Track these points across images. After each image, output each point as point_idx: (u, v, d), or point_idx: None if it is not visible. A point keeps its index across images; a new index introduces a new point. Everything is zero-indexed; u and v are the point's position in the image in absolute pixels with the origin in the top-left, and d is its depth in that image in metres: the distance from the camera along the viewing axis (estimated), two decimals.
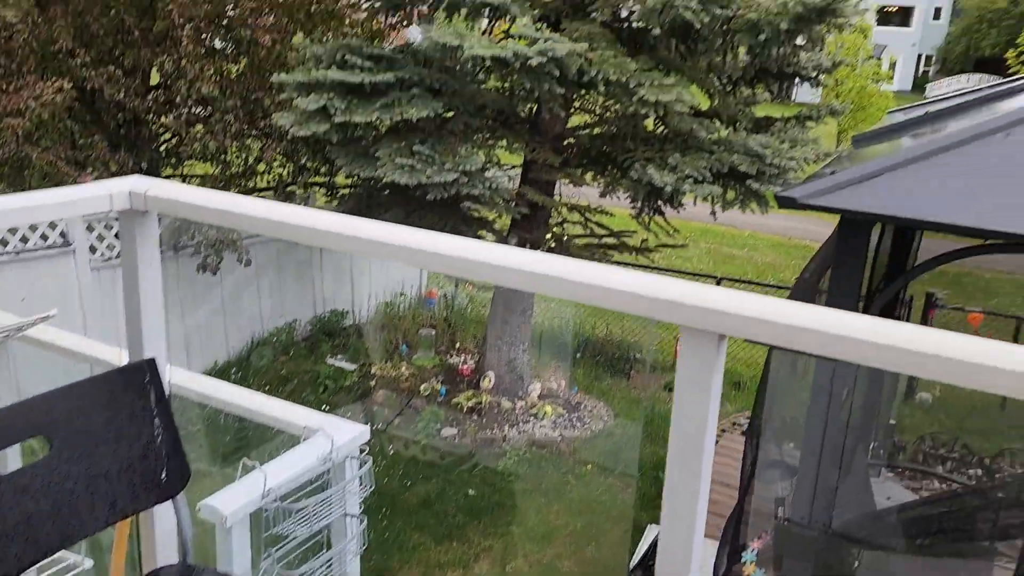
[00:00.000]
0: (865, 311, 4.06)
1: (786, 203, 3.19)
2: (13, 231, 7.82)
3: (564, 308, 11.04)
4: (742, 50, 8.13)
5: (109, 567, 1.99)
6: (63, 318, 2.65)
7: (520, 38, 7.12)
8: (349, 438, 2.44)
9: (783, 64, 8.48)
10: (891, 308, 5.67)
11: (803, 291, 5.63)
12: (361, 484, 2.44)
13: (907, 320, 7.73)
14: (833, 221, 3.64)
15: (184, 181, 10.39)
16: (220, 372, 9.71)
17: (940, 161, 3.18)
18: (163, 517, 1.98)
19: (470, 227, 8.23)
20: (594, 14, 8.08)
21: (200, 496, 2.05)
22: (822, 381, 3.61)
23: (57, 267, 8.21)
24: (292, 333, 10.63)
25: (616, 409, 9.60)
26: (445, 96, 7.88)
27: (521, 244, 8.69)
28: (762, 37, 7.33)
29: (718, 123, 8.63)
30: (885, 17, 45.76)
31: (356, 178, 8.65)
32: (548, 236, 8.87)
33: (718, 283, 11.70)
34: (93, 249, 8.57)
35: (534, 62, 6.71)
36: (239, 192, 9.43)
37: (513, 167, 9.00)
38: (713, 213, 8.41)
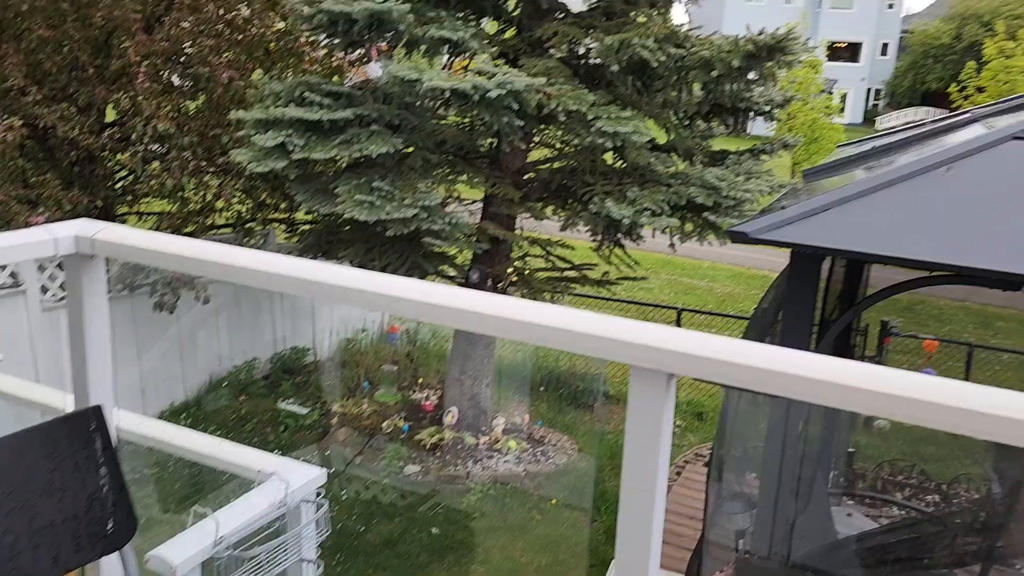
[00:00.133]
0: (819, 341, 4.13)
1: (738, 238, 3.24)
2: None
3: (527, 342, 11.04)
4: (696, 86, 8.30)
5: None
6: (14, 362, 2.59)
7: (479, 73, 7.20)
8: (304, 481, 2.41)
9: (736, 99, 8.67)
10: (846, 337, 5.76)
11: (760, 322, 5.70)
12: (317, 528, 2.40)
13: (864, 348, 7.86)
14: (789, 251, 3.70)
15: (140, 219, 10.25)
16: (176, 413, 9.52)
17: (886, 195, 3.26)
18: (110, 569, 1.92)
19: (431, 263, 8.22)
20: (552, 50, 8.22)
21: (149, 546, 1.99)
22: (778, 411, 3.65)
23: (7, 309, 8.02)
24: (251, 372, 10.46)
25: (580, 443, 9.58)
26: (404, 132, 7.92)
27: (483, 278, 8.70)
28: (715, 74, 7.51)
29: (675, 157, 8.77)
30: (835, 53, 47.13)
31: (316, 214, 8.62)
32: (510, 270, 8.89)
33: (679, 315, 11.82)
34: (44, 289, 8.39)
35: (493, 94, 6.78)
36: (198, 229, 9.33)
37: (474, 202, 9.04)
38: (672, 245, 8.52)
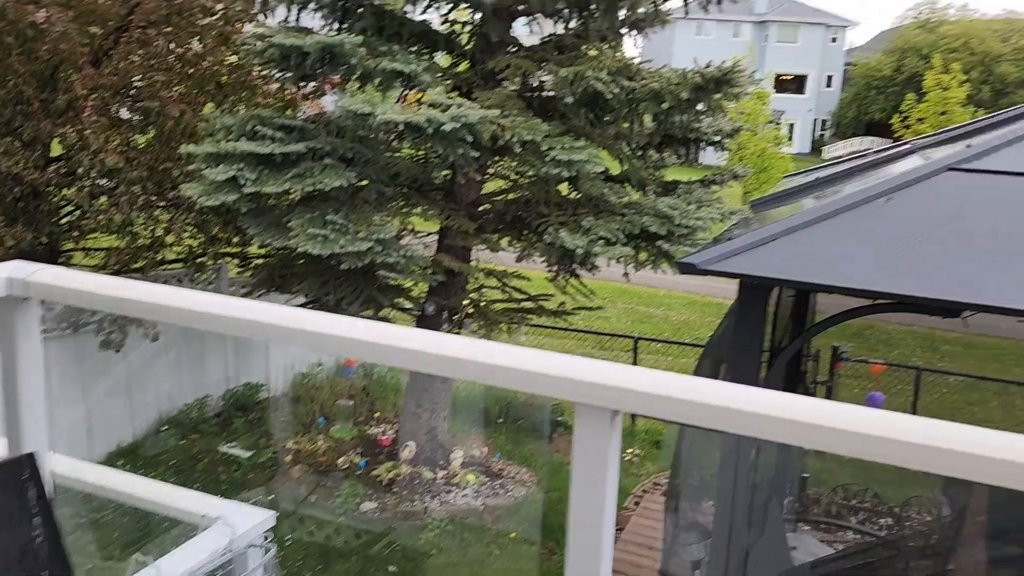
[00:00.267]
0: (769, 368, 4.18)
1: (687, 270, 3.28)
2: None
3: None
4: (647, 117, 8.44)
5: None
6: None
7: (432, 105, 7.23)
8: (252, 525, 2.34)
9: (687, 130, 8.84)
10: (797, 363, 5.85)
11: (715, 350, 5.76)
12: (265, 573, 2.34)
13: (816, 373, 7.99)
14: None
15: (87, 255, 10.02)
16: (124, 453, 9.26)
17: (829, 226, 3.34)
18: None
19: (386, 295, 8.17)
20: (505, 83, 8.30)
21: None
22: (730, 440, 3.68)
23: None
24: (203, 409, 10.24)
25: (539, 474, 9.53)
26: (358, 165, 7.90)
27: (439, 311, 8.67)
28: (665, 105, 7.64)
29: (628, 187, 8.88)
30: (782, 85, 48.42)
31: (269, 248, 8.53)
32: (466, 302, 8.87)
33: (635, 344, 11.89)
34: None
35: (448, 128, 6.80)
36: (147, 264, 9.15)
37: (429, 234, 9.02)
38: (626, 274, 8.58)
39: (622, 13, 8.50)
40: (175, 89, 9.16)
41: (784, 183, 6.96)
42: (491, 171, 9.12)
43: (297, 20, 8.16)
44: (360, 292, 7.95)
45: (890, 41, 49.15)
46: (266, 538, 2.34)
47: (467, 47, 8.97)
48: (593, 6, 8.45)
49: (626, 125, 8.65)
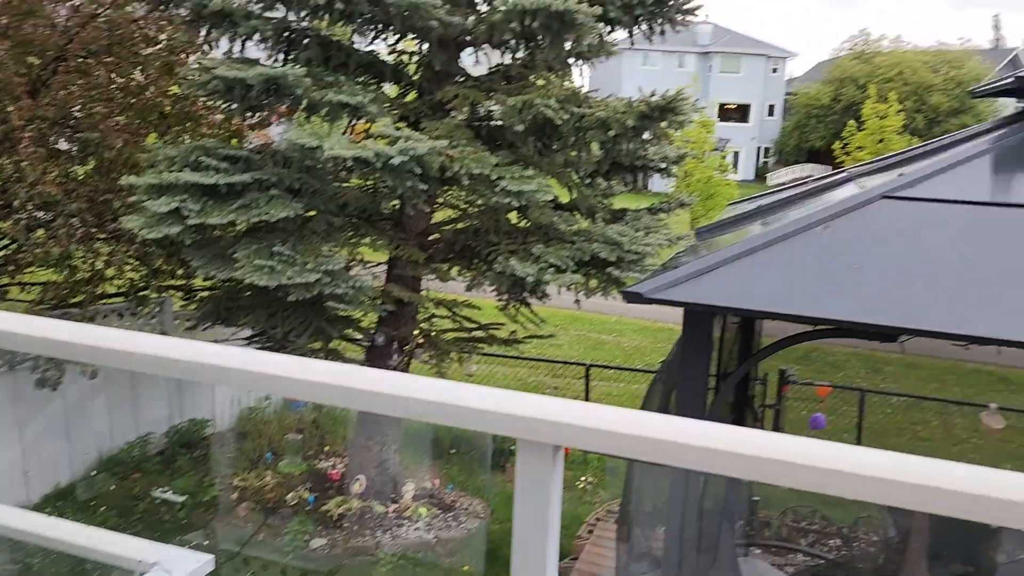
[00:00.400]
0: (716, 393, 4.22)
1: (633, 299, 3.31)
2: None
3: None
4: (595, 146, 8.53)
5: None
6: None
7: (381, 137, 7.21)
8: (191, 570, 2.26)
9: (634, 157, 8.96)
10: (744, 387, 5.91)
11: (667, 376, 5.80)
12: None
13: (764, 396, 8.09)
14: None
15: (23, 289, 9.71)
16: (62, 495, 8.92)
17: (770, 253, 3.40)
18: None
19: (335, 327, 8.07)
20: (453, 113, 8.33)
21: None
22: (679, 467, 3.68)
23: None
24: (145, 447, 9.94)
25: (492, 505, 9.44)
26: (306, 196, 7.83)
27: (389, 341, 8.59)
28: (612, 133, 7.74)
29: (577, 215, 8.95)
30: (726, 114, 49.59)
31: (215, 280, 8.36)
32: (416, 332, 8.81)
33: (587, 371, 11.92)
34: None
35: (396, 162, 6.78)
36: (86, 299, 8.90)
37: (378, 264, 8.96)
38: (577, 301, 8.62)
39: (568, 44, 8.62)
40: (116, 119, 8.99)
41: (728, 210, 7.09)
42: (440, 200, 9.12)
43: (242, 51, 8.09)
44: (308, 324, 7.84)
45: (828, 71, 50.71)
46: None
47: (415, 77, 9.00)
48: (540, 37, 8.56)
49: (574, 153, 8.74)
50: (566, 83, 9.44)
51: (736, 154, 46.94)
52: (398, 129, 7.64)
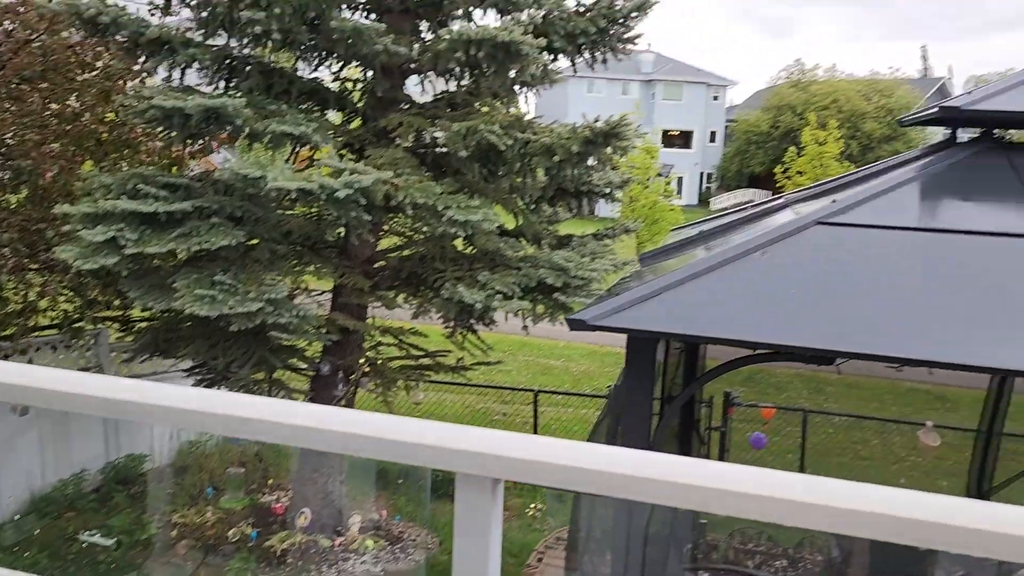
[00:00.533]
0: (661, 417, 4.25)
1: (577, 326, 3.32)
2: None
3: None
4: (540, 171, 8.59)
5: None
6: None
7: (326, 166, 7.16)
8: None
9: (579, 183, 9.05)
10: (690, 410, 5.97)
11: (615, 402, 5.82)
12: None
13: (710, 419, 8.17)
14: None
15: None
16: None
17: (710, 279, 3.46)
18: None
19: (278, 356, 7.92)
20: (398, 140, 8.31)
21: None
22: None
23: None
24: (79, 485, 9.58)
25: (441, 535, 9.32)
26: (248, 223, 7.71)
27: (334, 370, 8.47)
28: (556, 159, 7.80)
29: (524, 241, 8.99)
30: (670, 140, 50.55)
31: (153, 311, 8.15)
32: (362, 360, 8.70)
33: (535, 396, 11.91)
34: None
35: (341, 194, 6.72)
36: (18, 331, 8.60)
37: (323, 292, 8.85)
38: (525, 327, 8.62)
39: (513, 72, 8.70)
40: (51, 146, 8.75)
41: (671, 236, 7.20)
42: (386, 228, 9.07)
43: (181, 78, 7.98)
44: (251, 354, 7.69)
45: (766, 99, 52.12)
46: None
47: (359, 104, 8.97)
48: (485, 66, 8.63)
49: (520, 179, 8.79)
50: (511, 110, 9.52)
51: (680, 179, 47.84)
52: (342, 157, 7.61)
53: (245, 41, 7.88)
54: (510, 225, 9.04)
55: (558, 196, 9.37)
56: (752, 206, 6.27)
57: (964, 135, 5.17)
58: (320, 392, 8.63)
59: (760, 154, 48.90)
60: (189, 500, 9.41)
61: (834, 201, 4.17)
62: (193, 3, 7.89)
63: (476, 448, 1.24)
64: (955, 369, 3.25)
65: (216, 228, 7.25)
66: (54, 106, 9.11)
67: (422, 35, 9.01)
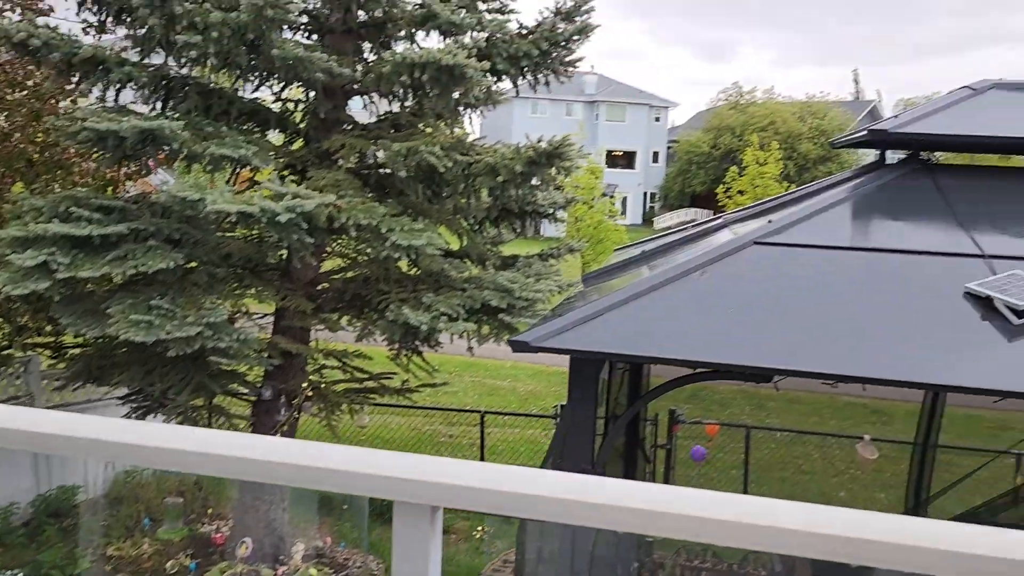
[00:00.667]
0: (604, 435, 4.27)
1: (520, 347, 3.33)
2: None
3: None
4: (484, 192, 8.62)
5: None
6: None
7: (267, 189, 7.06)
8: None
9: (523, 203, 9.10)
10: (634, 429, 6.01)
11: (562, 422, 5.82)
12: None
13: (655, 437, 8.23)
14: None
15: None
16: None
17: (651, 299, 3.50)
18: None
19: (218, 382, 7.74)
20: (340, 161, 8.25)
21: None
22: None
23: None
24: (7, 519, 9.18)
25: (388, 562, 9.18)
26: (187, 246, 7.55)
27: (276, 395, 8.31)
28: (500, 179, 7.83)
29: (468, 262, 8.97)
30: (614, 160, 51.25)
31: (86, 337, 7.90)
32: (305, 384, 8.56)
33: (482, 418, 11.87)
34: None
35: (282, 218, 6.62)
36: None
37: (264, 316, 8.69)
38: (470, 348, 8.59)
39: (457, 94, 8.73)
40: None
41: (614, 256, 7.28)
42: (329, 250, 8.97)
43: (116, 98, 7.80)
44: (189, 380, 7.50)
45: (706, 121, 53.29)
46: None
47: (301, 125, 8.89)
48: (429, 88, 8.64)
49: (464, 200, 8.80)
50: (456, 131, 9.54)
51: (624, 199, 48.49)
52: (283, 179, 7.51)
53: (183, 61, 7.75)
54: (455, 246, 9.03)
55: (503, 216, 9.40)
56: (693, 226, 6.38)
57: (894, 156, 5.36)
58: (262, 417, 8.46)
59: (701, 174, 49.89)
60: (125, 532, 9.09)
61: (770, 221, 4.27)
62: (128, 20, 7.74)
63: (413, 476, 1.22)
64: (889, 385, 3.34)
65: (153, 251, 7.08)
66: None
67: (365, 56, 8.99)
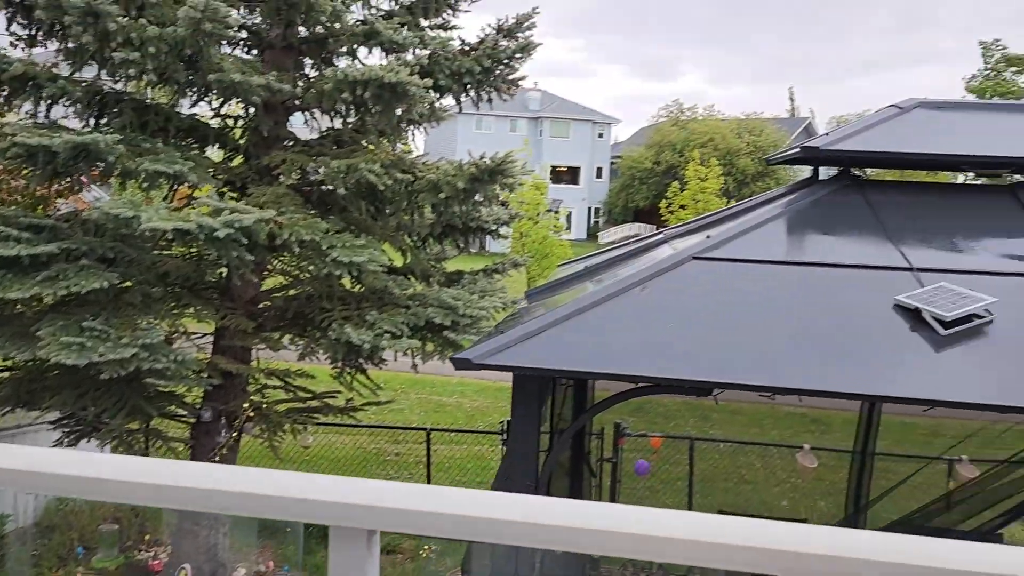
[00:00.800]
0: (550, 449, 4.28)
1: (462, 365, 3.32)
2: None
3: None
4: (427, 209, 8.59)
5: None
6: None
7: (205, 205, 6.93)
8: None
9: (467, 219, 9.09)
10: (580, 443, 6.03)
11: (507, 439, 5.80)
12: None
13: (601, 450, 8.27)
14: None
15: None
16: None
17: (592, 315, 3.53)
18: None
19: (154, 404, 7.54)
20: (281, 177, 8.14)
21: None
22: None
23: None
24: None
25: None
26: (121, 265, 7.35)
27: (216, 416, 8.13)
28: (443, 196, 7.82)
29: (413, 279, 8.93)
30: (558, 176, 51.68)
31: (16, 360, 7.62)
32: (246, 405, 8.38)
33: (428, 435, 11.79)
34: None
35: (220, 234, 6.50)
36: None
37: (204, 335, 8.50)
38: (414, 366, 8.54)
39: (400, 111, 8.71)
40: None
41: (558, 271, 7.32)
42: (271, 267, 8.83)
43: (47, 114, 7.58)
44: (124, 403, 7.29)
45: (649, 137, 54.15)
46: None
47: (241, 141, 8.75)
48: (371, 104, 8.60)
49: (407, 217, 8.76)
50: (400, 146, 9.51)
51: (569, 214, 48.86)
52: (223, 196, 7.39)
53: (118, 76, 7.58)
54: (398, 262, 8.97)
55: (446, 233, 9.39)
56: (635, 241, 6.47)
57: (828, 172, 5.52)
58: (201, 440, 8.25)
59: (644, 189, 50.60)
60: (57, 562, 8.75)
61: (708, 236, 4.36)
62: (60, 35, 7.54)
63: (348, 500, 1.21)
64: (824, 397, 3.42)
65: (85, 271, 6.88)
66: None
67: (306, 72, 8.91)
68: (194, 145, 8.46)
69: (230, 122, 8.84)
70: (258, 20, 8.45)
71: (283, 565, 9.24)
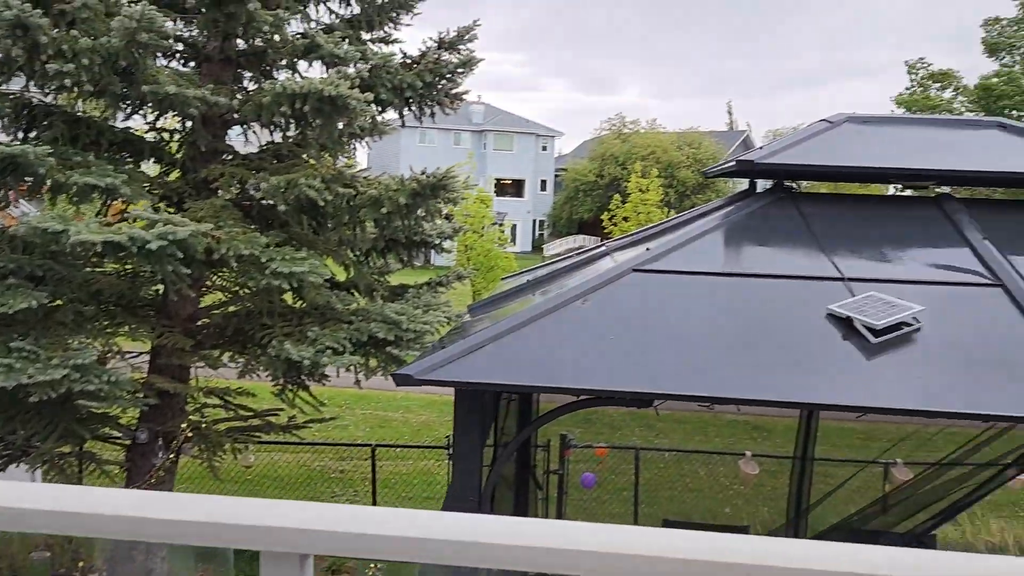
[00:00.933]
0: (493, 463, 4.27)
1: (403, 381, 3.30)
2: None
3: None
4: (369, 224, 8.53)
5: None
6: None
7: (138, 219, 6.76)
8: None
9: (410, 233, 9.05)
10: (525, 456, 6.03)
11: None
12: None
13: (548, 462, 8.28)
14: None
15: None
16: None
17: (533, 328, 3.55)
18: None
19: (87, 427, 7.30)
20: (220, 192, 7.99)
21: None
22: None
23: None
24: None
25: None
26: (51, 283, 7.12)
27: (153, 437, 7.91)
28: (385, 211, 7.77)
29: (356, 294, 8.84)
30: (503, 189, 51.86)
31: None
32: (185, 425, 8.18)
33: (373, 452, 11.66)
34: None
35: (154, 246, 6.34)
36: None
37: (139, 354, 8.27)
38: (358, 382, 8.45)
39: (341, 124, 8.63)
40: None
41: (502, 284, 7.34)
42: (209, 283, 8.65)
43: None
44: (55, 425, 7.04)
45: (592, 150, 54.74)
46: None
47: (177, 155, 8.58)
48: (311, 118, 8.50)
49: (349, 232, 8.68)
50: (343, 160, 9.43)
51: (514, 227, 49.03)
52: (157, 211, 7.21)
53: (49, 89, 7.36)
54: (341, 277, 8.88)
55: (390, 247, 9.33)
56: (577, 254, 6.52)
57: (764, 184, 5.65)
58: (137, 462, 8.02)
59: (588, 201, 51.09)
60: None
61: (648, 249, 4.42)
62: None
63: (280, 523, 1.18)
64: (761, 405, 3.49)
65: (13, 290, 6.64)
66: None
67: (245, 85, 8.78)
68: (128, 159, 8.27)
69: (166, 136, 8.66)
70: (195, 32, 8.30)
71: None
